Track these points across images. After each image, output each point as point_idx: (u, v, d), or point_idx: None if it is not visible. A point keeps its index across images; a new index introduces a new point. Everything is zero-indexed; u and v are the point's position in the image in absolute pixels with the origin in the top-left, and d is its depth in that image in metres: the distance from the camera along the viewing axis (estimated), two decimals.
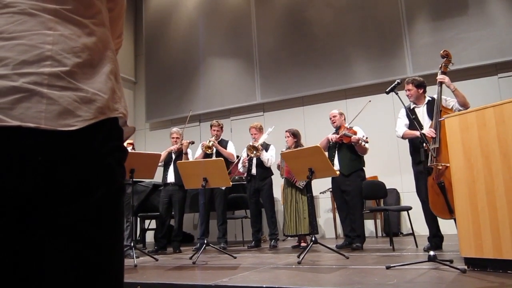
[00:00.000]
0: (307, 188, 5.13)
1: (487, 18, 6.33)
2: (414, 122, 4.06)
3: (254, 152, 5.63)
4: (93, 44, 0.79)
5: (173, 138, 6.01)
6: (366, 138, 4.73)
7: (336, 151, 5.04)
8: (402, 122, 4.54)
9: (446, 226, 4.64)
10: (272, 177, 5.89)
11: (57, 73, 0.72)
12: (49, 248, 0.73)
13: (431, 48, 6.62)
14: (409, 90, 4.44)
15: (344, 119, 5.26)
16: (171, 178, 5.81)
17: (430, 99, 4.38)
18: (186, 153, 5.81)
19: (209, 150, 5.78)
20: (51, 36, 0.73)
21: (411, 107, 4.48)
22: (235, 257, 4.44)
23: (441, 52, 4.24)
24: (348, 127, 5.04)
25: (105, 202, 0.78)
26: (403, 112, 4.52)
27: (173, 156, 5.85)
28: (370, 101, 5.11)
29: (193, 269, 3.86)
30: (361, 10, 7.22)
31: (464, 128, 2.97)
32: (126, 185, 5.13)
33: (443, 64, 4.19)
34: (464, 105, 4.05)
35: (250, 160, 5.83)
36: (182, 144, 5.83)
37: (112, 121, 0.80)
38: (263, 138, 5.82)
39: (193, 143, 5.95)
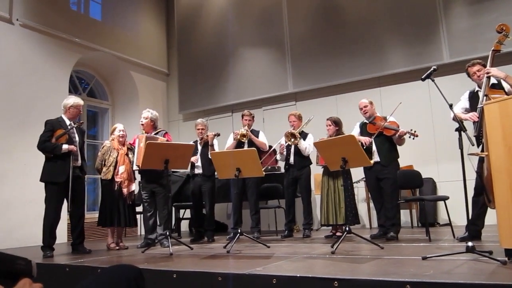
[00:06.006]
0: (343, 178, 5.10)
1: None
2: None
3: (292, 139, 5.61)
4: None
5: (198, 129, 5.98)
6: (415, 131, 4.63)
7: (373, 142, 4.94)
8: (459, 104, 4.39)
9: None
10: (311, 166, 5.85)
11: None
12: None
13: (469, 33, 6.38)
14: (478, 71, 4.24)
15: (374, 107, 5.12)
16: (198, 169, 5.88)
17: (496, 82, 4.11)
18: (212, 145, 5.76)
19: (244, 138, 5.77)
20: None
21: (475, 90, 4.30)
22: (268, 247, 4.47)
23: (496, 27, 3.98)
24: (388, 119, 4.93)
25: None
26: (465, 94, 4.41)
27: (199, 148, 5.88)
28: (401, 103, 4.95)
29: (227, 258, 3.91)
30: None
31: (504, 115, 2.84)
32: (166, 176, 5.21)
33: (496, 42, 3.94)
34: None
35: (288, 149, 5.80)
36: (207, 136, 5.84)
37: None
38: (302, 127, 5.80)
39: (218, 135, 5.86)
